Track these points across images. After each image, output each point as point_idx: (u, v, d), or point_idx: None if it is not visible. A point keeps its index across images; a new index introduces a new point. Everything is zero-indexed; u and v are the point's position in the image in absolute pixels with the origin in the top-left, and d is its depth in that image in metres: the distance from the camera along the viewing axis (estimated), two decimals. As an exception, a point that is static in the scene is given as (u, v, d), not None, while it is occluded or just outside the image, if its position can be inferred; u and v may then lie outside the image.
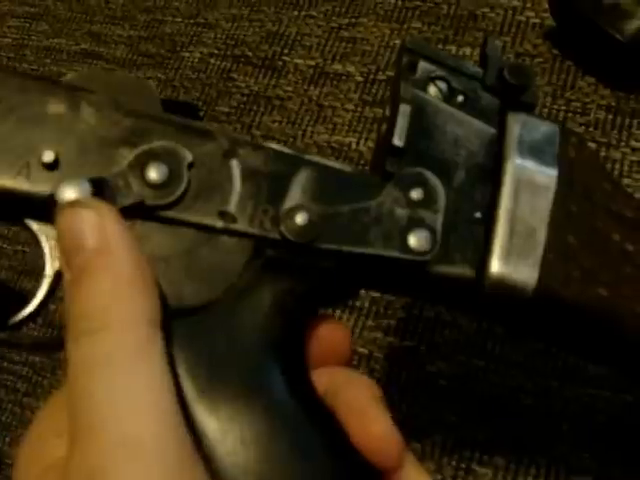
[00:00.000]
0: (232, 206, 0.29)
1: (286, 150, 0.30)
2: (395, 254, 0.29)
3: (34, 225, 0.30)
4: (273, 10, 0.66)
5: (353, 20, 0.63)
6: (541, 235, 0.30)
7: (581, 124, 0.54)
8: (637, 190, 0.51)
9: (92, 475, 0.23)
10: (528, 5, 0.60)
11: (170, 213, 0.28)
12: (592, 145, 0.53)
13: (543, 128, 0.32)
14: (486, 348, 0.47)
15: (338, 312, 0.51)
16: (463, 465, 0.45)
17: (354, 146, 0.58)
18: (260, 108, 0.62)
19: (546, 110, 0.55)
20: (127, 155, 0.29)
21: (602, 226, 0.31)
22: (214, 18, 0.67)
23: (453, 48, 0.60)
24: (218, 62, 0.65)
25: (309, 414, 0.28)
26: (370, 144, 0.57)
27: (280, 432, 0.27)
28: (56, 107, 0.29)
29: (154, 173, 0.28)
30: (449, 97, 0.32)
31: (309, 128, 0.60)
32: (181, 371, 0.27)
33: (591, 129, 0.54)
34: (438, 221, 0.29)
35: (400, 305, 0.50)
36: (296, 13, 0.65)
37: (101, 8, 0.72)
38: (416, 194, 0.30)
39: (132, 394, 0.24)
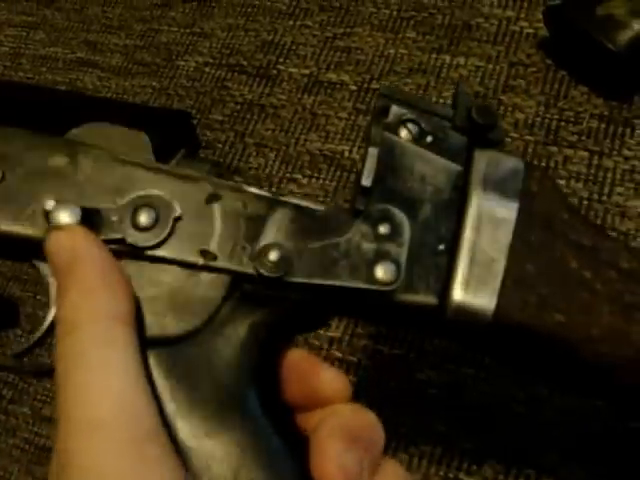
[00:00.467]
0: (213, 245, 0.31)
1: (264, 193, 0.33)
2: (362, 285, 0.31)
3: (41, 265, 0.34)
4: (268, 20, 0.66)
5: (348, 30, 0.63)
6: (500, 264, 0.32)
7: (574, 133, 0.54)
8: (629, 198, 0.51)
9: (61, 456, 0.25)
10: (522, 15, 0.60)
11: (156, 252, 0.31)
12: (583, 153, 0.53)
13: (508, 164, 0.34)
14: (476, 357, 0.47)
15: (327, 318, 0.50)
16: (451, 475, 0.45)
17: (347, 154, 0.58)
18: (254, 116, 0.62)
19: (539, 119, 0.55)
20: (120, 201, 0.32)
21: (560, 254, 0.33)
22: (210, 27, 0.68)
23: (447, 58, 0.60)
24: (213, 71, 0.65)
25: (281, 435, 0.30)
26: (363, 152, 0.57)
27: (251, 451, 0.29)
28: (57, 160, 0.33)
29: (143, 217, 0.31)
30: (419, 138, 0.34)
31: (302, 136, 0.60)
32: (163, 394, 0.29)
33: (584, 138, 0.54)
34: (403, 254, 0.32)
35: (389, 312, 0.50)
36: (291, 23, 0.65)
37: (98, 17, 0.72)
38: (383, 229, 0.32)
39: (99, 381, 0.26)
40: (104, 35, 0.71)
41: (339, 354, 0.50)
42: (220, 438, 0.28)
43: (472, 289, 0.31)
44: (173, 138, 0.59)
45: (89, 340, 0.27)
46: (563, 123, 0.55)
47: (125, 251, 0.31)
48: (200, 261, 0.31)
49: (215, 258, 0.31)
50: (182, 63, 0.67)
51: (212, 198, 0.32)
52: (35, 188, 0.33)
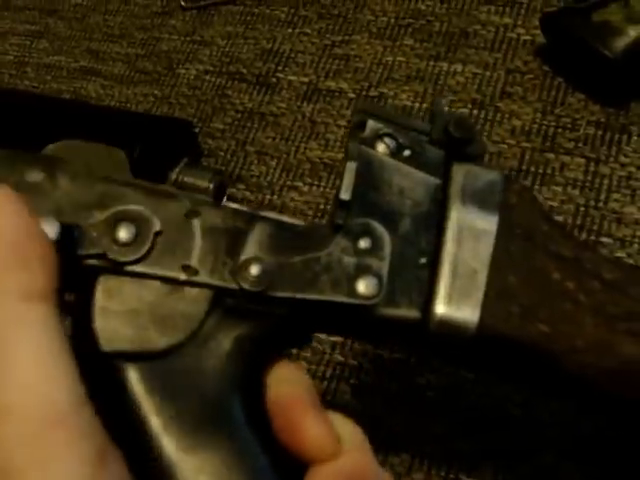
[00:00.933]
0: (194, 260, 0.31)
1: (243, 208, 0.33)
2: (344, 299, 0.31)
3: None
4: (267, 28, 0.67)
5: (346, 37, 0.64)
6: (482, 276, 0.32)
7: (571, 140, 0.55)
8: (626, 205, 0.51)
9: None
10: (519, 22, 0.60)
11: (137, 268, 0.31)
12: (580, 159, 0.53)
13: (486, 177, 0.34)
14: (473, 362, 0.47)
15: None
16: (451, 476, 0.46)
17: (346, 162, 0.58)
18: (254, 125, 0.62)
19: (536, 126, 0.56)
20: (99, 216, 0.31)
21: (542, 265, 0.33)
22: (210, 36, 0.68)
23: (445, 65, 0.60)
24: (213, 79, 0.66)
25: (266, 449, 0.30)
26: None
27: (237, 464, 0.29)
28: (34, 176, 0.32)
29: (123, 232, 0.31)
30: (396, 152, 0.34)
31: (302, 144, 0.60)
32: (147, 408, 0.29)
33: (580, 145, 0.54)
34: (384, 268, 0.31)
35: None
36: (290, 31, 0.66)
37: (100, 26, 0.73)
38: (364, 243, 0.32)
39: (5, 365, 0.25)
40: (106, 44, 0.72)
41: (341, 358, 0.51)
42: (206, 452, 0.28)
43: (455, 302, 0.31)
44: (176, 147, 0.60)
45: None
46: (560, 130, 0.55)
47: (105, 266, 0.31)
48: (182, 276, 0.31)
49: (197, 273, 0.31)
50: (183, 71, 0.67)
51: (191, 214, 0.32)
52: None
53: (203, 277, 0.31)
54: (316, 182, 0.58)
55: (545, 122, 0.56)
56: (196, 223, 0.32)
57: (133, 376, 0.29)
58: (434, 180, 0.34)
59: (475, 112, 0.57)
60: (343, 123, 0.60)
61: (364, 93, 0.61)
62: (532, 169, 0.54)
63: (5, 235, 0.27)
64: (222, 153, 0.61)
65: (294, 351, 0.50)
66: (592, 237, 0.51)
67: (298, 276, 0.31)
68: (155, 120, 0.63)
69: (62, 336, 0.26)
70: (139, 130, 0.60)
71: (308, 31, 0.66)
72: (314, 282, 0.31)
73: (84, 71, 0.71)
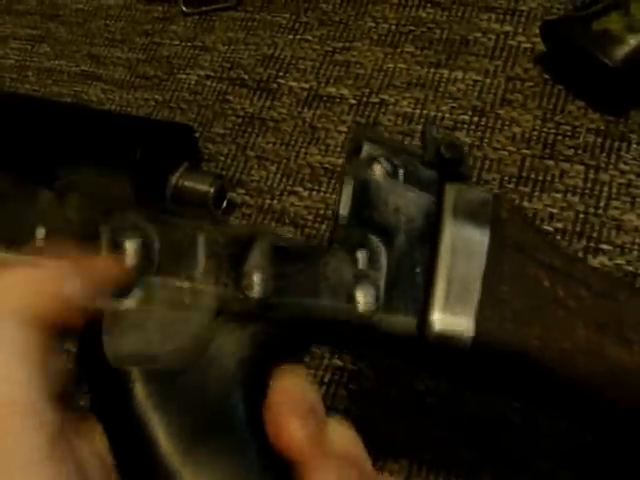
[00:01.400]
0: (198, 272, 0.32)
1: (244, 226, 0.36)
2: (342, 306, 0.32)
3: None
4: (269, 34, 0.67)
5: (347, 44, 0.64)
6: (476, 286, 0.33)
7: (570, 147, 0.55)
8: (625, 212, 0.52)
9: None
10: (519, 30, 0.61)
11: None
12: (580, 166, 0.53)
13: (477, 195, 0.36)
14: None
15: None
16: (450, 482, 0.46)
17: (346, 168, 0.58)
18: (255, 130, 0.62)
19: (536, 133, 0.56)
20: (104, 232, 0.32)
21: (533, 275, 0.34)
22: (211, 41, 0.68)
23: (445, 72, 0.60)
24: (214, 84, 0.66)
25: (269, 457, 0.30)
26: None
27: (242, 474, 0.29)
28: (43, 202, 0.32)
29: (127, 247, 0.31)
30: (392, 172, 0.36)
31: (302, 149, 0.60)
32: (151, 417, 0.29)
33: (580, 152, 0.54)
34: (381, 277, 0.33)
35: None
36: (291, 37, 0.66)
37: (101, 31, 0.73)
38: (361, 254, 0.33)
39: None
40: (107, 48, 0.72)
41: (340, 363, 0.51)
42: (210, 464, 0.29)
43: (451, 310, 0.33)
44: (176, 151, 0.60)
45: None
46: (560, 137, 0.55)
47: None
48: (186, 285, 0.32)
49: (201, 283, 0.32)
50: (184, 76, 0.68)
51: (195, 231, 0.33)
52: (24, 222, 0.32)
53: (208, 287, 0.32)
54: (316, 187, 0.58)
55: (545, 129, 0.56)
56: (200, 240, 0.33)
57: (139, 385, 0.30)
58: (428, 197, 0.35)
59: (475, 119, 0.58)
60: (344, 129, 0.60)
61: (365, 99, 0.61)
62: (532, 176, 0.54)
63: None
64: (222, 158, 0.62)
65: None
66: (592, 244, 0.51)
67: (299, 284, 0.32)
68: (156, 124, 0.63)
69: (42, 366, 0.26)
70: (140, 134, 0.60)
71: (309, 37, 0.66)
72: (314, 289, 0.32)
73: (85, 75, 0.71)
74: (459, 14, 0.62)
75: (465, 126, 0.57)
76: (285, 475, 0.29)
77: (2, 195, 0.32)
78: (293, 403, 0.30)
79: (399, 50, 0.62)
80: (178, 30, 0.70)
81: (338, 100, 0.62)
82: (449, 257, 0.34)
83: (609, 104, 0.56)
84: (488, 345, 0.33)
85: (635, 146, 0.54)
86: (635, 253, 0.50)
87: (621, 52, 0.54)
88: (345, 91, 0.62)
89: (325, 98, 0.62)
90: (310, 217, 0.57)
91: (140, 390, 0.30)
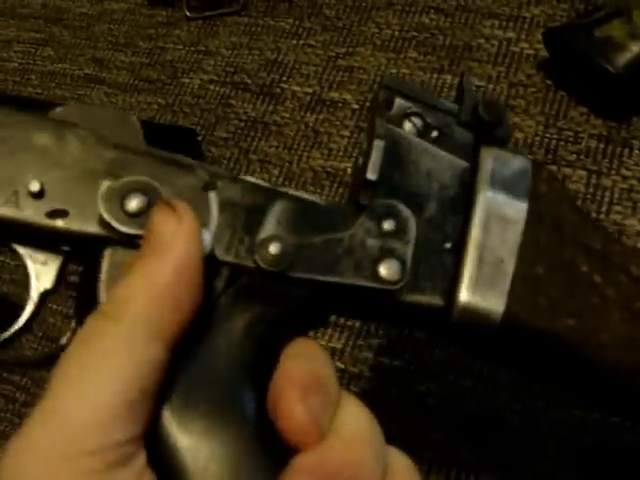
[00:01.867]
0: (208, 235, 0.30)
1: (262, 183, 0.31)
2: (365, 283, 0.30)
3: (21, 249, 0.33)
4: (272, 39, 0.67)
5: (350, 49, 0.64)
6: (510, 265, 0.31)
7: (573, 152, 0.55)
8: (627, 217, 0.52)
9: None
10: (522, 37, 0.61)
11: None
12: (582, 172, 0.54)
13: (515, 163, 0.32)
14: (475, 369, 0.47)
15: (329, 331, 0.51)
16: (450, 484, 0.46)
17: (349, 171, 0.58)
18: (257, 134, 0.63)
19: (538, 138, 0.56)
20: (109, 185, 0.30)
21: (570, 257, 0.32)
22: (214, 46, 0.69)
23: (448, 77, 0.61)
24: (217, 88, 0.66)
25: (272, 435, 0.28)
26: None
27: (249, 450, 0.28)
28: (43, 139, 0.31)
29: (133, 204, 0.29)
30: (424, 132, 0.33)
31: (305, 153, 0.60)
32: (158, 394, 0.28)
33: (582, 157, 0.55)
34: (408, 252, 0.30)
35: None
36: (295, 42, 0.67)
37: (104, 35, 0.73)
38: (388, 225, 0.31)
39: (92, 381, 0.25)
40: (110, 52, 0.72)
41: (341, 365, 0.51)
42: (217, 438, 0.27)
43: (480, 290, 0.30)
44: (179, 154, 0.60)
45: (114, 339, 0.26)
46: (562, 143, 0.55)
47: (113, 238, 0.30)
48: None
49: (212, 248, 0.30)
50: (187, 80, 0.68)
51: (208, 186, 0.31)
52: (19, 168, 0.31)
53: (218, 253, 0.30)
54: (318, 191, 0.58)
55: (547, 135, 0.56)
56: (213, 196, 0.30)
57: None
58: (461, 163, 0.32)
59: (478, 124, 0.58)
60: (346, 133, 0.60)
61: (367, 104, 0.61)
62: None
63: (165, 278, 0.27)
64: (225, 161, 0.62)
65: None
66: (593, 248, 0.51)
67: (318, 257, 0.30)
68: (158, 127, 0.63)
69: (155, 375, 0.26)
70: (143, 137, 0.60)
71: (312, 43, 0.66)
72: (335, 264, 0.30)
73: (88, 79, 0.71)
74: (462, 20, 0.63)
75: (468, 131, 0.57)
76: (283, 455, 0.27)
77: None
78: (296, 379, 0.27)
79: (402, 56, 0.63)
80: (182, 34, 0.71)
81: (341, 105, 0.62)
82: (482, 231, 0.31)
83: (611, 110, 0.56)
84: (517, 330, 0.31)
85: (637, 152, 0.54)
86: (637, 258, 0.50)
87: (623, 59, 0.54)
88: (348, 96, 0.62)
89: (328, 103, 0.62)
90: (312, 220, 0.57)
91: None
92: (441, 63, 0.61)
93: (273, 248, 0.29)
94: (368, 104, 0.61)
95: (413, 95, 0.33)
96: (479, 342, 0.33)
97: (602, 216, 0.52)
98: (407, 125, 0.33)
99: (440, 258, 0.31)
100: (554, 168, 0.54)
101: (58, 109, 0.33)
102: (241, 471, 0.27)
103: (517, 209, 0.31)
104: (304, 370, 0.28)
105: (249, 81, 0.66)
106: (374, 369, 0.50)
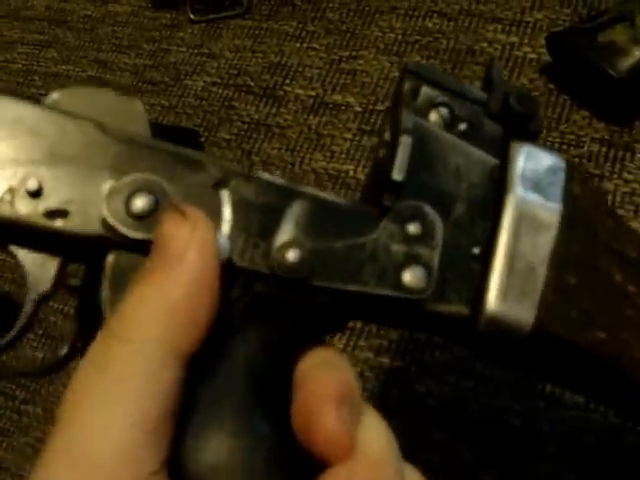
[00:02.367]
0: (221, 237, 0.27)
1: (279, 181, 0.29)
2: (389, 292, 0.28)
3: (17, 250, 0.30)
4: (276, 42, 0.68)
5: (353, 53, 0.65)
6: (541, 274, 0.28)
7: (575, 156, 0.55)
8: (629, 220, 0.52)
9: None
10: (525, 41, 0.61)
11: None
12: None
13: (548, 160, 0.30)
14: (476, 370, 0.47)
15: (329, 331, 0.51)
16: (450, 485, 0.45)
17: (352, 173, 0.58)
18: (260, 136, 0.63)
19: (541, 142, 0.56)
20: (113, 184, 0.27)
21: (604, 266, 0.30)
22: (218, 48, 0.69)
23: (451, 81, 0.61)
24: (220, 91, 0.66)
25: (291, 449, 0.26)
26: (367, 172, 0.58)
27: (270, 463, 0.26)
28: (41, 131, 0.28)
29: (138, 204, 0.27)
30: (451, 124, 0.30)
31: (307, 155, 0.61)
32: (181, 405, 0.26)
33: (585, 161, 0.55)
34: (435, 258, 0.28)
35: (391, 327, 0.50)
36: (298, 45, 0.67)
37: (108, 37, 0.73)
38: (413, 228, 0.28)
39: (112, 411, 0.23)
40: (114, 54, 0.72)
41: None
42: (239, 453, 0.26)
43: (509, 299, 0.28)
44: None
45: (130, 363, 0.24)
46: (565, 146, 0.56)
47: (116, 241, 0.27)
48: None
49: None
50: (190, 82, 0.68)
51: (220, 184, 0.28)
52: (16, 162, 0.28)
53: (234, 258, 0.27)
54: (321, 192, 0.58)
55: (550, 138, 0.56)
56: (225, 195, 0.28)
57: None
58: (491, 160, 0.30)
59: (480, 128, 0.58)
60: (349, 136, 0.61)
61: (370, 107, 0.61)
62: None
63: (196, 276, 0.25)
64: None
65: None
66: (595, 251, 0.51)
67: (340, 264, 0.28)
68: (161, 128, 0.63)
69: (177, 391, 0.25)
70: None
71: (316, 46, 0.66)
72: (357, 272, 0.28)
73: (92, 80, 0.71)
74: (465, 24, 0.63)
75: (470, 134, 0.58)
76: (306, 469, 0.25)
77: None
78: (329, 391, 0.25)
79: (405, 59, 0.63)
80: (185, 37, 0.71)
81: (344, 108, 0.62)
82: (512, 236, 0.28)
83: (614, 114, 0.56)
84: (546, 341, 0.29)
85: (639, 155, 0.54)
86: (639, 260, 0.50)
87: (626, 63, 0.54)
88: (351, 99, 0.62)
89: (331, 105, 0.63)
90: (314, 221, 0.57)
91: None
92: (444, 67, 0.62)
93: (291, 254, 0.27)
94: (371, 107, 0.61)
95: (440, 83, 0.30)
96: (506, 351, 0.31)
97: (604, 219, 0.52)
98: (433, 116, 0.30)
99: (467, 264, 0.29)
100: (556, 171, 0.55)
101: (55, 95, 0.30)
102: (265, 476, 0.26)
103: (550, 212, 0.29)
104: (336, 381, 0.26)
105: (252, 83, 0.66)
106: (375, 370, 0.50)
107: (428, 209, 0.28)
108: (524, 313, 0.28)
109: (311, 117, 0.63)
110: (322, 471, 0.25)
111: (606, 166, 0.54)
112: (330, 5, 0.68)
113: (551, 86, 0.59)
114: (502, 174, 0.29)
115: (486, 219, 0.29)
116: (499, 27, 0.62)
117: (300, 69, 0.65)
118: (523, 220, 0.29)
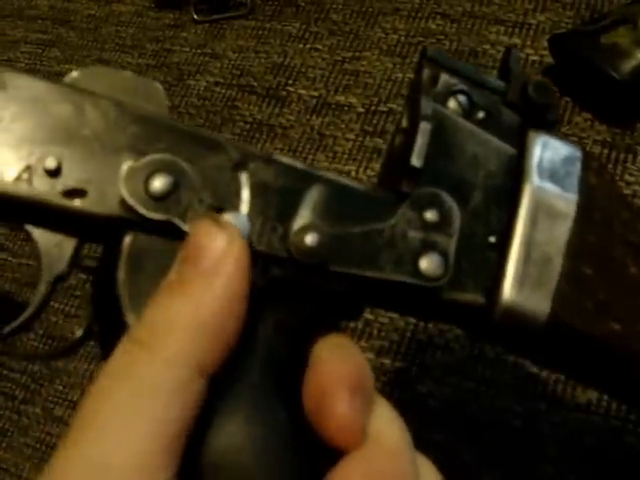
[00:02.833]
0: (240, 220, 0.27)
1: (298, 165, 0.29)
2: (405, 279, 0.28)
3: (34, 231, 0.30)
4: (279, 42, 0.68)
5: (357, 54, 0.65)
6: (557, 264, 0.28)
7: (577, 158, 0.55)
8: (630, 223, 0.52)
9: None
10: (528, 43, 0.61)
11: (171, 226, 0.27)
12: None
13: (565, 150, 0.30)
14: (477, 371, 0.47)
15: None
16: (452, 487, 0.45)
17: (354, 174, 0.59)
18: (263, 136, 0.63)
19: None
20: (131, 163, 0.27)
21: (620, 258, 0.30)
22: (221, 49, 0.69)
23: (454, 83, 0.61)
24: (223, 91, 0.67)
25: (306, 435, 0.26)
26: (370, 172, 0.58)
27: (286, 450, 0.26)
28: (60, 110, 0.28)
29: (157, 185, 0.27)
30: (469, 112, 0.30)
31: (310, 156, 0.61)
32: None
33: (586, 163, 0.55)
34: (452, 245, 0.28)
35: (393, 327, 0.50)
36: (301, 46, 0.67)
37: (112, 37, 0.74)
38: (431, 215, 0.28)
39: (131, 420, 0.23)
40: (117, 54, 0.72)
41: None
42: (254, 441, 0.25)
43: (525, 289, 0.28)
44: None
45: (156, 374, 0.23)
46: (566, 148, 0.56)
47: (135, 221, 0.27)
48: None
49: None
50: (193, 82, 0.68)
51: (239, 166, 0.28)
52: (34, 141, 0.28)
53: (252, 240, 0.27)
54: (323, 193, 0.58)
55: (552, 140, 0.56)
56: (244, 178, 0.28)
57: None
58: (509, 149, 0.30)
59: (483, 129, 0.58)
60: (351, 137, 0.61)
61: (373, 108, 0.61)
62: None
63: (227, 294, 0.24)
64: (230, 162, 0.62)
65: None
66: (597, 253, 0.51)
67: (357, 250, 0.28)
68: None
69: (198, 405, 0.24)
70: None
71: (319, 47, 0.66)
72: (374, 258, 0.28)
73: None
74: (468, 26, 0.63)
75: (472, 136, 0.58)
76: (320, 454, 0.25)
77: (6, 100, 0.28)
78: (343, 378, 0.25)
79: (408, 60, 0.63)
80: (189, 37, 0.71)
81: (346, 108, 0.62)
82: (528, 225, 0.29)
83: (616, 116, 0.56)
84: (561, 332, 0.29)
85: (641, 158, 0.54)
86: (640, 263, 0.50)
87: (629, 65, 0.54)
88: (354, 100, 0.62)
89: (334, 106, 0.63)
90: (317, 222, 0.57)
91: None
92: (447, 68, 0.62)
93: (309, 238, 0.27)
94: (374, 108, 0.61)
95: (459, 70, 0.30)
96: (520, 342, 0.31)
97: (606, 221, 0.52)
98: (452, 103, 0.30)
99: (484, 253, 0.29)
100: (558, 173, 0.55)
101: (74, 73, 0.30)
102: (281, 470, 0.26)
103: (567, 202, 0.29)
104: (350, 368, 0.26)
105: (255, 84, 0.66)
106: (376, 370, 0.50)
107: (446, 196, 0.28)
108: (539, 303, 0.28)
109: (314, 118, 0.63)
110: (336, 457, 0.24)
111: (608, 168, 0.54)
112: (333, 6, 0.68)
113: (553, 88, 0.59)
114: (519, 163, 0.29)
115: (502, 208, 0.29)
116: (502, 29, 0.62)
117: (303, 70, 0.66)
118: (540, 210, 0.29)
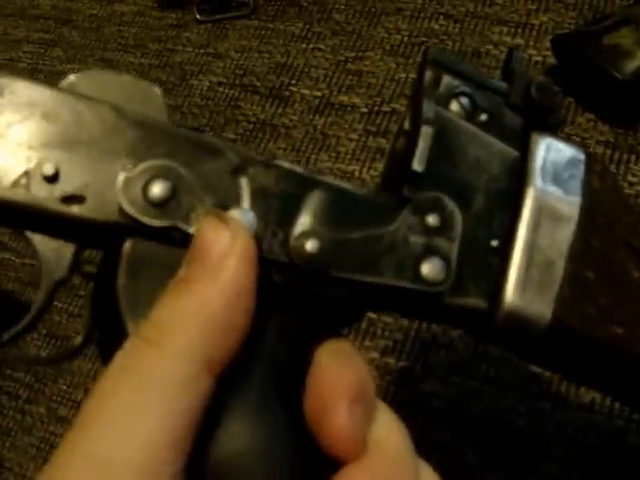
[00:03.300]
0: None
1: (298, 170, 0.28)
2: (406, 284, 0.28)
3: (34, 237, 0.30)
4: (282, 42, 0.68)
5: (360, 54, 0.65)
6: (559, 268, 0.28)
7: (580, 158, 0.55)
8: (633, 223, 0.52)
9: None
10: (531, 43, 0.61)
11: (171, 233, 0.27)
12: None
13: (568, 153, 0.30)
14: (481, 370, 0.48)
15: (335, 331, 0.51)
16: (455, 486, 0.46)
17: (357, 174, 0.59)
18: (266, 136, 0.63)
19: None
20: (130, 169, 0.27)
21: (622, 262, 0.30)
22: (224, 49, 0.69)
23: (456, 83, 0.61)
24: (226, 90, 0.67)
25: (308, 441, 0.26)
26: (373, 172, 0.58)
27: (288, 456, 0.26)
28: (59, 116, 0.28)
29: (156, 191, 0.27)
30: (471, 115, 0.30)
31: (313, 156, 0.61)
32: None
33: (589, 163, 0.55)
34: (453, 250, 0.28)
35: (397, 327, 0.51)
36: (304, 46, 0.67)
37: (114, 36, 0.74)
38: (432, 220, 0.28)
39: (137, 417, 0.23)
40: (120, 53, 0.72)
41: (345, 369, 0.51)
42: (256, 447, 0.25)
43: (527, 294, 0.28)
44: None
45: (161, 371, 0.23)
46: (569, 148, 0.56)
47: (134, 227, 0.27)
48: None
49: None
50: (196, 82, 0.68)
51: (238, 170, 0.28)
52: (32, 146, 0.27)
53: None
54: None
55: (555, 141, 0.56)
56: (244, 182, 0.28)
57: None
58: (512, 152, 0.29)
59: (486, 129, 0.58)
60: (354, 137, 0.61)
61: (376, 108, 0.62)
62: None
63: (235, 289, 0.24)
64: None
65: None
66: (600, 253, 0.51)
67: (358, 255, 0.28)
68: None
69: (203, 404, 0.24)
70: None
71: (322, 47, 0.66)
72: (375, 263, 0.28)
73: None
74: (471, 26, 0.63)
75: (476, 136, 0.58)
76: (320, 463, 0.25)
77: (14, 117, 0.28)
78: (344, 388, 0.25)
79: (411, 60, 0.63)
80: (191, 37, 0.71)
81: (350, 108, 0.62)
82: (531, 229, 0.28)
83: (619, 117, 0.56)
84: (563, 336, 0.29)
85: (644, 158, 0.54)
86: (643, 263, 0.50)
87: (631, 66, 0.54)
88: (357, 100, 0.63)
89: (337, 106, 0.63)
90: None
91: None
92: (449, 68, 0.62)
93: (309, 244, 0.27)
94: (377, 108, 0.62)
95: (461, 72, 0.30)
96: (523, 345, 0.31)
97: (609, 221, 0.52)
98: (454, 105, 0.30)
99: (486, 257, 0.29)
100: (561, 173, 0.55)
101: (72, 78, 0.29)
102: (282, 475, 0.25)
103: (570, 205, 0.29)
104: (350, 377, 0.25)
105: (258, 84, 0.66)
106: (380, 370, 0.50)
107: (447, 200, 0.28)
108: (542, 307, 0.28)
109: (317, 117, 0.63)
110: (338, 463, 0.24)
111: (611, 170, 0.54)
112: (336, 6, 0.68)
113: (556, 88, 0.59)
114: (522, 166, 0.29)
115: (505, 211, 0.29)
116: (505, 29, 0.62)
117: (306, 70, 0.66)
118: (542, 213, 0.29)
